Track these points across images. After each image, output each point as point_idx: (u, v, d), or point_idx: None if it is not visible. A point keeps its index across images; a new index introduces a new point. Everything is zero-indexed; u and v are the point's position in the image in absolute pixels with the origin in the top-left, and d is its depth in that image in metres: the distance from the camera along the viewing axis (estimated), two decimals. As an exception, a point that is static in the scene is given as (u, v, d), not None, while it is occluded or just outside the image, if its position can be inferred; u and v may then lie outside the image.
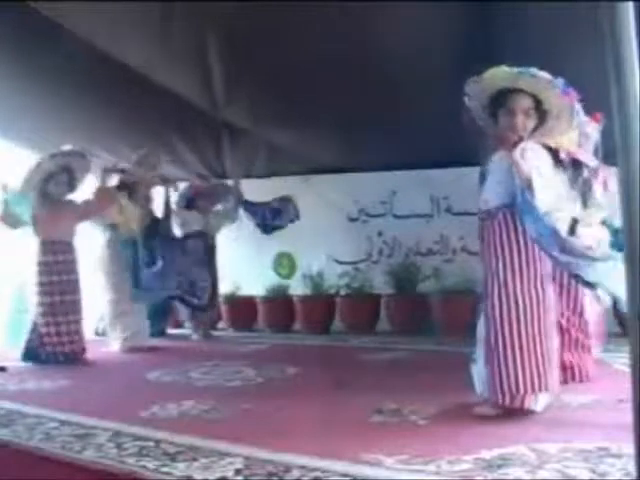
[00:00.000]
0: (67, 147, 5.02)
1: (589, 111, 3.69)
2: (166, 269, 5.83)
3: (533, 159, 2.83)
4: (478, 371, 3.02)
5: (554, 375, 2.92)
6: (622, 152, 1.60)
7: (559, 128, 3.01)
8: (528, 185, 2.78)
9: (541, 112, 2.93)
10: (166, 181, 6.37)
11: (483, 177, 3.09)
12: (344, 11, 3.67)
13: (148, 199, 5.99)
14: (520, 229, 2.87)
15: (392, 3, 3.63)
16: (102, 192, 5.31)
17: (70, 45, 4.02)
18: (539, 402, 2.85)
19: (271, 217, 6.47)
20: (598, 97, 2.78)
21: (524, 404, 2.83)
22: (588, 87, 3.42)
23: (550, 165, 2.90)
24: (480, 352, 3.00)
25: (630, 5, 1.60)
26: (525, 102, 2.90)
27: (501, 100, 2.95)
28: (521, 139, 2.92)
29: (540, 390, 2.83)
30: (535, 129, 2.96)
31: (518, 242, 2.88)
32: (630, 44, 1.59)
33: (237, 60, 4.37)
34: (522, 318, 2.84)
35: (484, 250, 3.01)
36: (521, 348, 2.83)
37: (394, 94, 4.62)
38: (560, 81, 2.83)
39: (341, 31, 3.94)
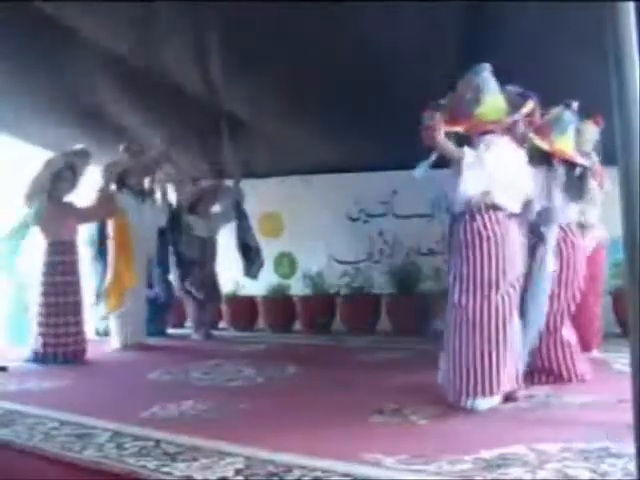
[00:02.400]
0: (77, 147, 5.07)
1: (588, 113, 3.70)
2: None
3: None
4: (445, 373, 3.14)
5: (504, 379, 2.98)
6: (622, 151, 1.60)
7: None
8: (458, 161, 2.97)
9: None
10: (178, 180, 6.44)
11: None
12: (346, 9, 3.68)
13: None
14: (485, 232, 2.96)
15: (391, 3, 3.63)
16: (104, 201, 5.34)
17: (69, 39, 4.02)
18: (479, 404, 2.94)
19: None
20: (596, 98, 2.80)
21: (460, 403, 2.95)
22: (585, 88, 3.45)
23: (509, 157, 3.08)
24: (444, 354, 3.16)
25: (630, 5, 1.60)
26: None
27: None
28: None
29: (479, 394, 2.93)
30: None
31: (482, 245, 2.96)
32: (631, 44, 1.59)
33: (239, 54, 4.36)
34: (470, 325, 2.96)
35: (451, 250, 3.08)
36: (467, 353, 2.96)
37: (394, 93, 4.62)
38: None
39: (342, 29, 3.94)
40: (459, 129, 3.04)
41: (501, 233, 2.99)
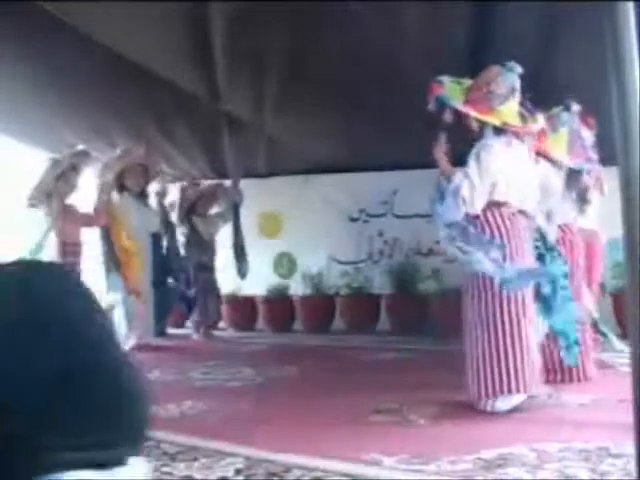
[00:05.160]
0: (79, 147, 5.07)
1: (582, 116, 3.71)
2: None
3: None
4: None
5: (528, 375, 2.92)
6: (622, 151, 1.60)
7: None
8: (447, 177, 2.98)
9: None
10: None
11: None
12: (347, 9, 3.68)
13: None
14: (488, 228, 2.95)
15: (391, 3, 3.63)
16: (101, 210, 5.35)
17: (71, 39, 4.01)
18: (502, 404, 2.87)
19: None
20: (593, 98, 2.81)
21: (478, 405, 2.90)
22: (583, 88, 3.44)
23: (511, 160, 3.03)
24: None
25: (630, 5, 1.60)
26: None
27: None
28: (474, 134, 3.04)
29: (497, 394, 2.87)
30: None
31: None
32: (630, 44, 1.59)
33: (240, 53, 4.36)
34: (484, 322, 2.90)
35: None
36: (482, 352, 2.89)
37: (394, 93, 4.62)
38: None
39: (343, 28, 3.94)
40: (478, 116, 2.99)
41: (505, 227, 2.96)
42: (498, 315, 2.90)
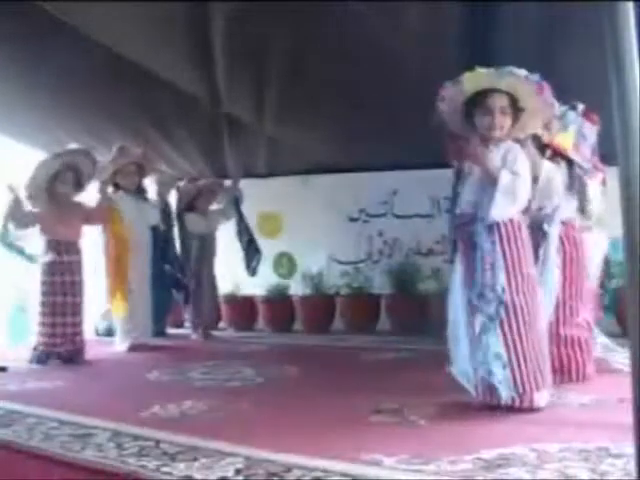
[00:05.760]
0: (72, 146, 5.04)
1: (585, 112, 3.72)
2: None
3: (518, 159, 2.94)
4: (463, 372, 3.04)
5: (548, 371, 2.97)
6: (622, 151, 1.61)
7: (532, 125, 3.07)
8: (493, 181, 2.88)
9: (516, 109, 2.97)
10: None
11: (458, 178, 3.12)
12: (347, 9, 3.68)
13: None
14: (511, 231, 2.92)
15: (392, 3, 3.64)
16: (101, 208, 5.34)
17: (71, 39, 4.02)
18: (543, 399, 2.89)
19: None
20: (595, 98, 2.81)
21: (533, 403, 2.86)
22: (585, 88, 3.45)
23: (527, 165, 2.99)
24: (459, 353, 3.04)
25: (630, 5, 1.60)
26: (502, 101, 2.94)
27: (477, 101, 2.97)
28: (499, 138, 2.98)
29: (543, 387, 2.88)
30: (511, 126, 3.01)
31: (512, 243, 2.92)
32: (630, 44, 1.59)
33: (240, 53, 4.36)
34: (521, 319, 2.87)
35: (475, 254, 2.99)
36: (524, 349, 2.87)
37: (394, 93, 4.62)
38: (535, 76, 2.87)
39: (343, 28, 3.94)
40: None
41: (523, 233, 3.00)
42: (533, 310, 2.91)
